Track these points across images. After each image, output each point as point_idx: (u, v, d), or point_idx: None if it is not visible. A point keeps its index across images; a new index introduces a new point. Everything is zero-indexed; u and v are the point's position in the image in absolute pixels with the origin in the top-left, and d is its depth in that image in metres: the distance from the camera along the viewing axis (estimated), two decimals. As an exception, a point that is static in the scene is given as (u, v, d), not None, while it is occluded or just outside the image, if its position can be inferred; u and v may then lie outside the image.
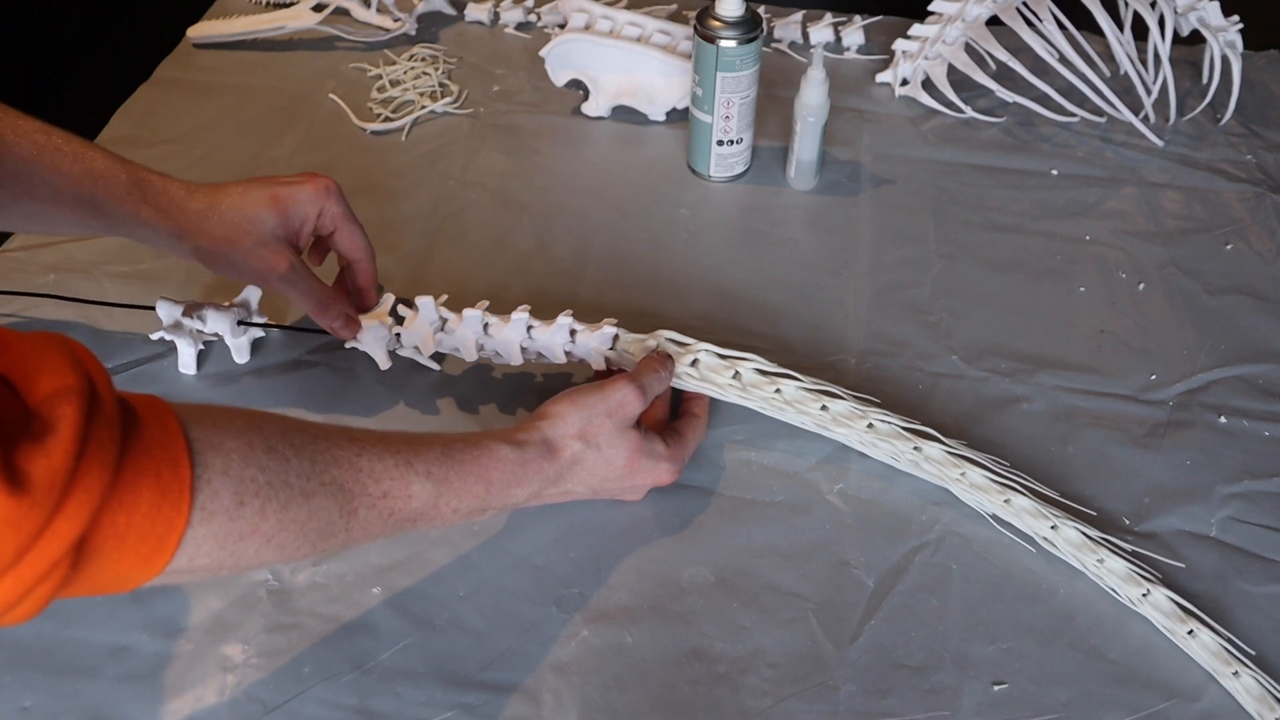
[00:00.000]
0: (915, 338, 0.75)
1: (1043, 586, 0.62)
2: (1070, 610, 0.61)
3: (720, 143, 0.85)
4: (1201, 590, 0.61)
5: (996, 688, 0.57)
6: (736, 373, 0.66)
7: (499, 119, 0.94)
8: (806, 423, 0.66)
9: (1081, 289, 0.80)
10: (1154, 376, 0.73)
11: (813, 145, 0.84)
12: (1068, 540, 0.62)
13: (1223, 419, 0.71)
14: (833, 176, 0.89)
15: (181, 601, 0.59)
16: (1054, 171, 0.90)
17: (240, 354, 0.71)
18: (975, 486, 0.64)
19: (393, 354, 0.69)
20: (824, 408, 0.66)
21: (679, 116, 0.93)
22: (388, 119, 0.93)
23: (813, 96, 0.82)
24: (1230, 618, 0.60)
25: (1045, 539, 0.62)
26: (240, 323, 0.70)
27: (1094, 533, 0.62)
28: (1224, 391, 0.72)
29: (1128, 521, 0.65)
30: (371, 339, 0.68)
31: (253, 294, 0.71)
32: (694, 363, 0.66)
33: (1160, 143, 0.93)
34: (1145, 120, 0.94)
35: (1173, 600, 0.59)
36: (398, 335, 0.68)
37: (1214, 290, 0.80)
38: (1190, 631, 0.59)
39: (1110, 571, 0.61)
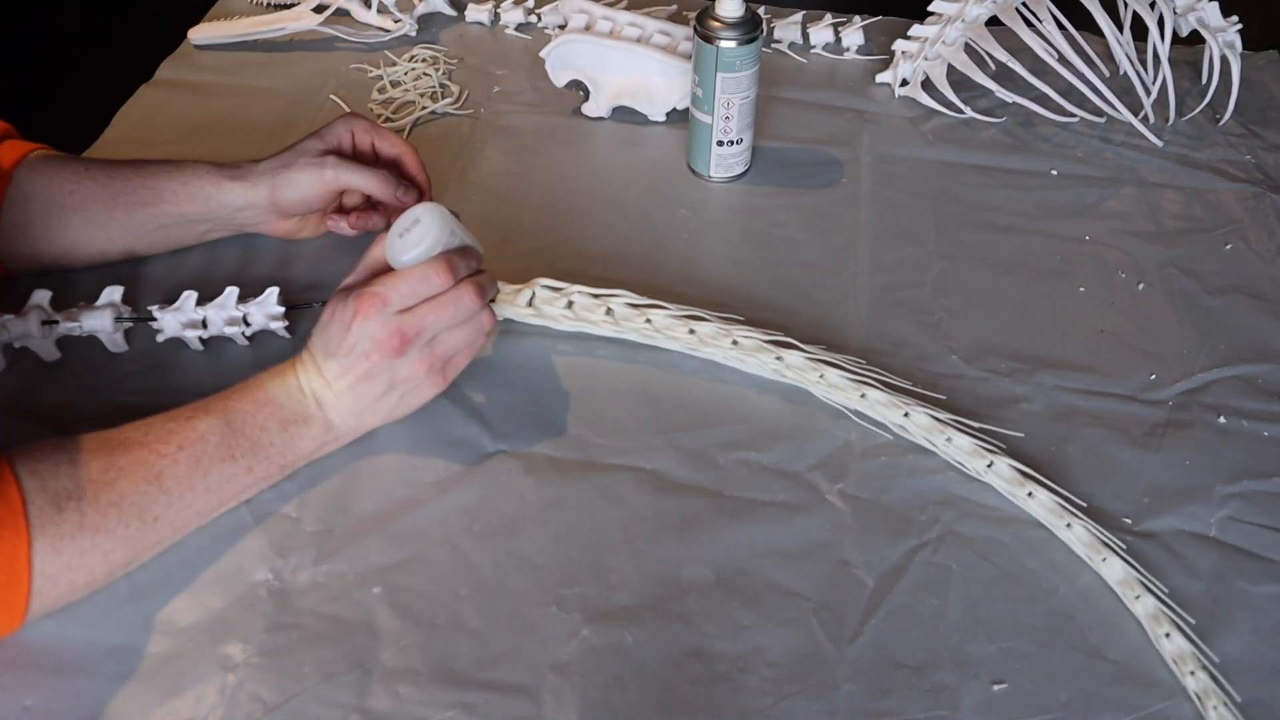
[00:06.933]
0: (915, 338, 0.76)
1: (1043, 586, 0.62)
2: (1070, 610, 0.61)
3: (720, 143, 0.86)
4: (1201, 590, 0.61)
5: (996, 687, 0.57)
6: (609, 309, 0.71)
7: (499, 120, 0.94)
8: (678, 346, 0.72)
9: (1081, 289, 0.80)
10: (1154, 376, 0.73)
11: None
12: (919, 425, 0.67)
13: (1222, 419, 0.71)
14: (833, 177, 0.89)
15: (181, 601, 0.59)
16: (1054, 171, 0.90)
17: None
18: (833, 386, 0.69)
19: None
20: (691, 330, 0.71)
21: (679, 117, 0.93)
22: (388, 120, 0.93)
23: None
24: (1229, 617, 0.60)
25: (899, 425, 0.68)
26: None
27: (943, 415, 0.67)
28: (1223, 391, 0.73)
29: (1128, 521, 0.65)
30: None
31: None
32: (569, 305, 0.71)
33: (1160, 143, 0.93)
34: (1145, 120, 0.94)
35: (1013, 467, 0.65)
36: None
37: (1213, 290, 0.80)
38: (1030, 494, 0.64)
39: (958, 448, 0.66)
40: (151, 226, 0.74)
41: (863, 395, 0.69)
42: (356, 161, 0.74)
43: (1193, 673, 0.57)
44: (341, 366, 0.62)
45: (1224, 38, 0.93)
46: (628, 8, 0.96)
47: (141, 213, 0.73)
